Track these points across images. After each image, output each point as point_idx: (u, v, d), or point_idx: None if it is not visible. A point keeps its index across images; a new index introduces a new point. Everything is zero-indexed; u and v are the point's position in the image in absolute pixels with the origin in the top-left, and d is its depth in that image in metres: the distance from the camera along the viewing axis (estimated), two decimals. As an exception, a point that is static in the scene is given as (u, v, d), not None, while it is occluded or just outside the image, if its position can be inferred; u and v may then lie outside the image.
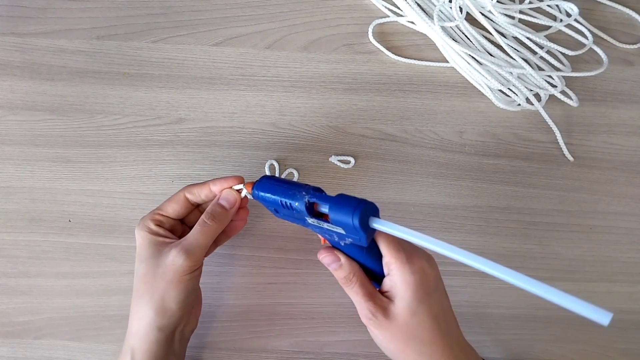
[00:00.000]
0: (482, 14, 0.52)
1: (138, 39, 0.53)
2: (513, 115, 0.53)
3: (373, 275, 0.37)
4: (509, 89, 0.52)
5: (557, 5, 0.54)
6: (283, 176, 0.50)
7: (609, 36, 0.55)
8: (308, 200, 0.34)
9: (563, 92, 0.52)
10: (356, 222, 0.31)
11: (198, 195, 0.41)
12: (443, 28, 0.51)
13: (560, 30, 0.54)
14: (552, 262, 0.50)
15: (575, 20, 0.53)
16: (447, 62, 0.53)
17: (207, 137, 0.51)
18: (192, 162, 0.50)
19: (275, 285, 0.48)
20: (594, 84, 0.54)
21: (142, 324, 0.38)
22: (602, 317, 0.25)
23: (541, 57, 0.53)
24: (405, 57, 0.53)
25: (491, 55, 0.52)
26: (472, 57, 0.50)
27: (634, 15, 0.55)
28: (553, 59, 0.52)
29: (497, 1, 0.53)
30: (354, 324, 0.48)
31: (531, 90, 0.51)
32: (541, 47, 0.53)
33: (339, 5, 0.55)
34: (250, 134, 0.51)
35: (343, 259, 0.36)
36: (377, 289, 0.36)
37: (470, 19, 0.53)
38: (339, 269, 0.36)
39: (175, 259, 0.37)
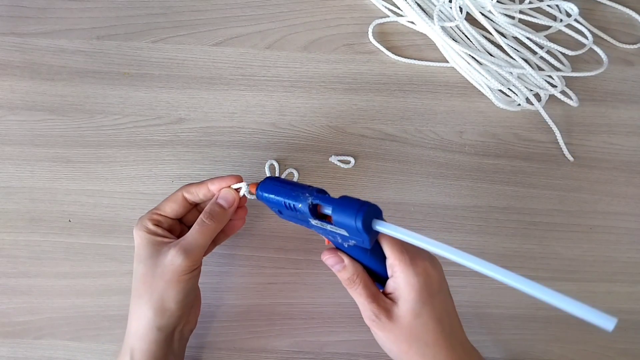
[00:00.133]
0: (482, 14, 0.52)
1: (138, 39, 0.53)
2: (513, 115, 0.53)
3: (377, 276, 0.37)
4: (509, 89, 0.52)
5: (557, 5, 0.54)
6: (283, 176, 0.50)
7: (609, 36, 0.55)
8: (311, 202, 0.34)
9: (563, 92, 0.52)
10: (359, 224, 0.31)
11: (196, 194, 0.41)
12: (443, 28, 0.51)
13: (560, 30, 0.54)
14: (552, 262, 0.50)
15: (575, 20, 0.53)
16: (447, 62, 0.53)
17: (207, 137, 0.51)
18: (192, 162, 0.50)
19: (275, 285, 0.48)
20: (594, 84, 0.54)
21: (141, 323, 0.38)
22: (607, 323, 0.25)
23: (541, 57, 0.53)
24: (405, 57, 0.53)
25: (491, 55, 0.52)
26: (472, 57, 0.50)
27: (634, 15, 0.55)
28: (553, 59, 0.52)
29: (497, 1, 0.53)
30: (354, 324, 0.48)
31: (531, 90, 0.51)
32: (541, 47, 0.53)
33: (339, 5, 0.55)
34: (250, 134, 0.51)
35: (347, 260, 0.36)
36: (381, 291, 0.36)
37: (470, 19, 0.53)
38: (342, 270, 0.36)
39: (174, 258, 0.37)
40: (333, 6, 0.55)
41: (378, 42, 0.54)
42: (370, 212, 0.32)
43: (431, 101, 0.53)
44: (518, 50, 0.53)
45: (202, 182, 0.41)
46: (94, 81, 0.52)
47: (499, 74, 0.51)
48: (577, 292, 0.49)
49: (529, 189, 0.51)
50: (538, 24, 0.53)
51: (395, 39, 0.54)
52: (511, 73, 0.50)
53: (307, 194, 0.34)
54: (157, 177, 0.50)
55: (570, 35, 0.53)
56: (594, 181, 0.51)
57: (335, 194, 0.34)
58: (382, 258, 0.35)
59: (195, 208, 0.43)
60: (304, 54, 0.53)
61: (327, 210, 0.34)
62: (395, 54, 0.53)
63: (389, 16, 0.54)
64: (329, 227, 0.34)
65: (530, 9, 0.54)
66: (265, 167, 0.50)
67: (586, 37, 0.53)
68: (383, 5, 0.55)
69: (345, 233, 0.33)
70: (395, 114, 0.52)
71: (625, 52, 0.55)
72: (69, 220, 0.49)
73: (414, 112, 0.52)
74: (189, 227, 0.40)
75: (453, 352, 0.35)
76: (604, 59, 0.52)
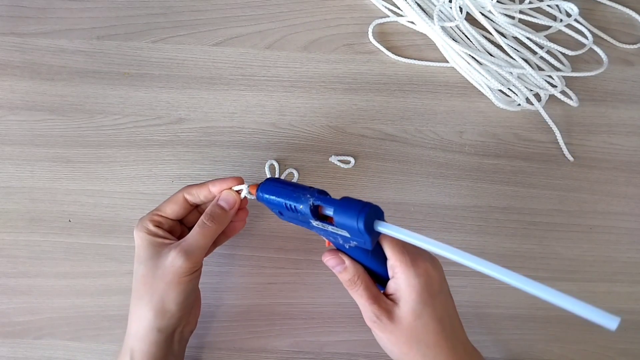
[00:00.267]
0: (482, 14, 0.52)
1: (138, 39, 0.53)
2: (513, 115, 0.53)
3: (378, 277, 0.37)
4: (509, 89, 0.52)
5: (557, 5, 0.54)
6: (283, 176, 0.50)
7: (609, 36, 0.55)
8: (313, 203, 0.34)
9: (563, 92, 0.52)
10: (361, 225, 0.31)
11: (197, 196, 0.41)
12: (443, 28, 0.51)
13: (560, 30, 0.54)
14: (552, 262, 0.50)
15: (575, 20, 0.53)
16: (447, 62, 0.53)
17: (207, 137, 0.51)
18: (192, 162, 0.50)
19: (275, 285, 0.48)
20: (594, 84, 0.54)
21: (141, 325, 0.38)
22: (610, 322, 0.25)
23: (541, 57, 0.53)
24: (405, 57, 0.53)
25: (491, 55, 0.52)
26: (472, 57, 0.50)
27: (634, 15, 0.55)
28: (553, 59, 0.52)
29: (497, 1, 0.53)
30: (354, 324, 0.48)
31: (531, 90, 0.51)
32: (541, 47, 0.53)
33: (339, 5, 0.55)
34: (250, 134, 0.51)
35: (347, 261, 0.36)
36: (382, 292, 0.36)
37: (470, 19, 0.53)
38: (343, 271, 0.36)
39: (174, 260, 0.37)
40: (333, 6, 0.55)
41: (378, 42, 0.54)
42: (372, 213, 0.31)
43: (431, 101, 0.53)
44: (518, 50, 0.53)
45: (203, 184, 0.41)
46: (94, 81, 0.52)
47: (499, 74, 0.51)
48: (577, 292, 0.49)
49: (529, 189, 0.51)
50: (538, 24, 0.53)
51: (395, 39, 0.54)
52: (511, 73, 0.50)
53: (308, 195, 0.34)
54: (157, 177, 0.50)
55: (570, 35, 0.53)
56: (594, 181, 0.51)
57: (335, 194, 0.34)
58: (383, 259, 0.35)
59: (196, 209, 0.43)
60: (304, 54, 0.53)
61: (329, 212, 0.34)
62: (395, 54, 0.53)
63: (389, 16, 0.54)
64: (330, 228, 0.34)
65: (530, 9, 0.54)
66: (265, 167, 0.50)
67: (586, 37, 0.53)
68: (383, 5, 0.55)
69: (346, 234, 0.33)
70: (395, 114, 0.52)
71: (625, 52, 0.55)
72: (69, 220, 0.49)
73: (414, 112, 0.52)
74: (190, 229, 0.40)
75: (454, 353, 0.35)
76: (604, 59, 0.52)
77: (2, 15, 0.53)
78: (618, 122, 0.53)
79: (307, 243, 0.49)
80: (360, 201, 0.32)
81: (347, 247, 0.35)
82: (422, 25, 0.53)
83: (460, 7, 0.51)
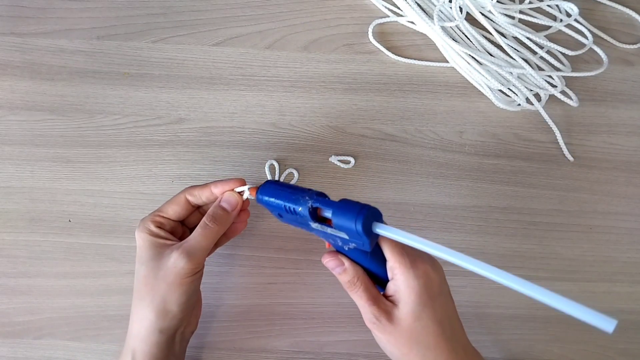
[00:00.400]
0: (482, 14, 0.52)
1: (138, 39, 0.53)
2: (513, 115, 0.53)
3: (377, 279, 0.37)
4: (509, 89, 0.52)
5: (557, 5, 0.54)
6: (283, 176, 0.50)
7: (609, 36, 0.55)
8: (311, 205, 0.34)
9: (563, 92, 0.52)
10: (359, 227, 0.31)
11: (199, 197, 0.41)
12: (443, 28, 0.51)
13: (560, 30, 0.54)
14: (552, 262, 0.50)
15: (575, 20, 0.53)
16: (447, 62, 0.53)
17: (207, 137, 0.51)
18: (192, 162, 0.50)
19: (275, 285, 0.48)
20: (594, 84, 0.54)
21: (142, 325, 0.38)
22: (607, 324, 0.25)
23: (541, 57, 0.53)
24: (405, 57, 0.53)
25: (491, 55, 0.52)
26: (472, 57, 0.50)
27: (634, 15, 0.55)
28: (553, 59, 0.52)
29: (497, 1, 0.53)
30: (354, 324, 0.48)
31: (531, 90, 0.51)
32: (541, 47, 0.53)
33: (339, 5, 0.55)
34: (250, 134, 0.51)
35: (347, 263, 0.36)
36: (381, 293, 0.36)
37: (470, 19, 0.53)
38: (343, 273, 0.36)
39: (176, 261, 0.37)
40: (333, 6, 0.55)
41: (378, 42, 0.54)
42: (370, 215, 0.32)
43: (431, 101, 0.53)
44: (518, 50, 0.53)
45: (205, 185, 0.41)
46: (94, 81, 0.52)
47: (499, 74, 0.51)
48: (577, 292, 0.49)
49: (529, 189, 0.51)
50: (538, 24, 0.53)
51: (395, 39, 0.54)
52: (511, 73, 0.50)
53: (307, 197, 0.34)
54: (157, 177, 0.50)
55: (570, 35, 0.53)
56: (594, 181, 0.51)
57: (335, 194, 0.34)
58: (383, 261, 0.35)
59: (197, 210, 0.43)
60: (304, 54, 0.53)
61: (327, 214, 0.34)
62: (395, 54, 0.53)
63: (389, 16, 0.54)
64: (329, 230, 0.34)
65: (530, 9, 0.54)
66: (265, 167, 0.50)
67: (586, 37, 0.53)
68: (383, 5, 0.55)
69: (345, 236, 0.33)
70: (395, 114, 0.52)
71: (625, 52, 0.55)
72: (69, 220, 0.49)
73: (414, 112, 0.52)
74: (191, 230, 0.40)
75: (454, 355, 0.35)
76: (604, 59, 0.52)
77: (2, 15, 0.53)
78: (618, 122, 0.53)
79: (307, 243, 0.49)
80: (358, 203, 0.32)
81: (347, 248, 0.35)
82: (422, 25, 0.53)
83: (460, 7, 0.51)
